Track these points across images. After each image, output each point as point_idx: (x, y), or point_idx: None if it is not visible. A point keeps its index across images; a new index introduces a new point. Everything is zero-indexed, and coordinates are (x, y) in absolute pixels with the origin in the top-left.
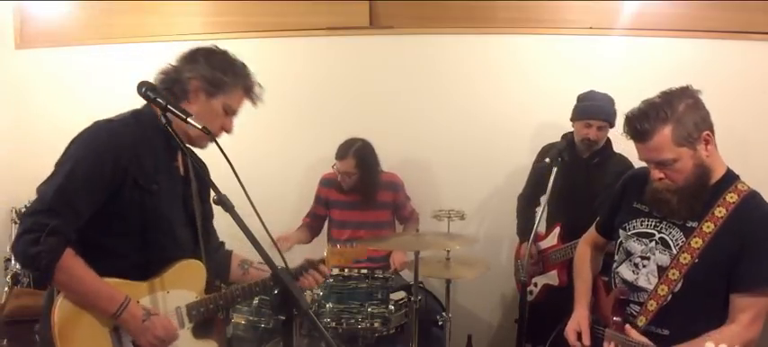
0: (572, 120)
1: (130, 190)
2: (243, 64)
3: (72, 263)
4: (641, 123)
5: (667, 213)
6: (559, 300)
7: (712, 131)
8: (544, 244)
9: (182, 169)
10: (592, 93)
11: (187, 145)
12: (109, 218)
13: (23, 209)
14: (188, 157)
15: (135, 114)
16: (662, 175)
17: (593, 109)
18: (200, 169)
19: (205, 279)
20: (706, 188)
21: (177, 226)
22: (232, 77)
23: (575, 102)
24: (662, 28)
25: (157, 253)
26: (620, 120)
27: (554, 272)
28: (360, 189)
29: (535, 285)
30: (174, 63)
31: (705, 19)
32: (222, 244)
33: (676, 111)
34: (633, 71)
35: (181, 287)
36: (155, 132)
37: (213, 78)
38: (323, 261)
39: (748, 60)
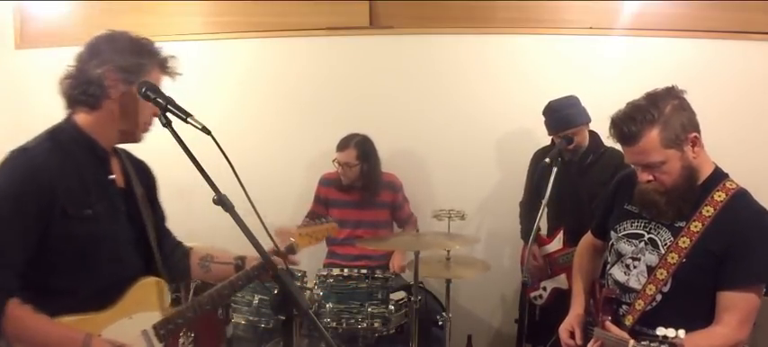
0: (549, 134)
1: (62, 221)
2: (148, 40)
3: (19, 315)
4: (628, 126)
5: (655, 214)
6: (570, 303)
7: (699, 132)
8: (550, 248)
9: (121, 180)
10: (552, 105)
11: (122, 145)
12: (47, 256)
13: None
14: (125, 160)
15: (52, 134)
16: (650, 177)
17: (559, 121)
18: (143, 171)
19: (167, 294)
20: (693, 189)
21: (123, 246)
22: (147, 57)
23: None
24: (662, 28)
25: (107, 281)
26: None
27: (563, 276)
28: (361, 182)
29: (544, 289)
30: (74, 63)
31: (705, 19)
32: (178, 244)
33: (663, 112)
34: (633, 71)
35: (143, 309)
36: (79, 148)
37: (127, 64)
38: (291, 247)
39: (748, 60)
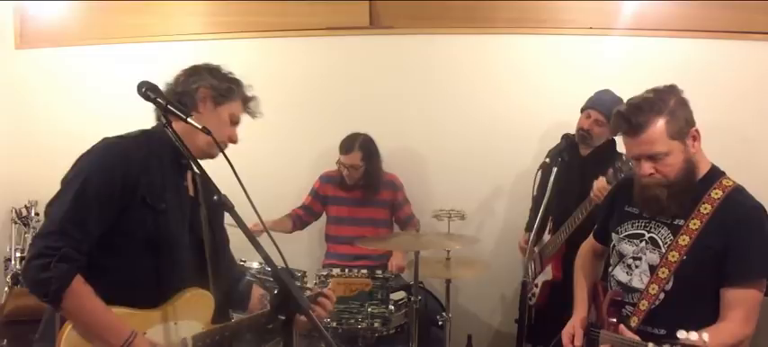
0: (581, 112)
1: (139, 208)
2: (238, 78)
3: (81, 292)
4: (636, 116)
5: (657, 211)
6: (561, 298)
7: (697, 129)
8: (542, 242)
9: (191, 189)
10: (601, 90)
11: (197, 159)
12: (115, 238)
13: (23, 210)
14: (197, 177)
15: (146, 133)
16: (652, 170)
17: (592, 100)
18: (208, 186)
19: (212, 309)
20: (693, 184)
21: (182, 249)
22: (236, 86)
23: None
24: (662, 28)
25: (156, 275)
26: None
27: (548, 267)
28: (364, 182)
29: (536, 286)
30: (173, 80)
31: (705, 19)
32: (243, 273)
33: (668, 105)
34: (633, 71)
35: (189, 318)
36: (164, 149)
37: (220, 87)
38: (325, 295)
39: (748, 60)
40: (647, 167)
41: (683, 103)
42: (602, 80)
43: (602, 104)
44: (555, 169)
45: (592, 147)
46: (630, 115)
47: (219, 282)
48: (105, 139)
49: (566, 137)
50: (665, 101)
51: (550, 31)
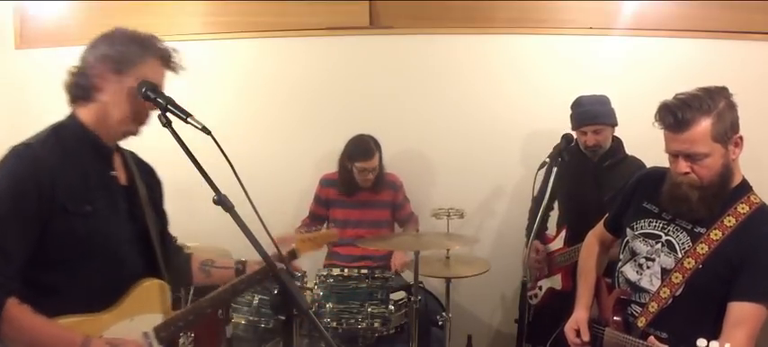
0: (572, 129)
1: (62, 216)
2: (150, 35)
3: (17, 315)
4: (682, 113)
5: (685, 211)
6: (563, 305)
7: (741, 136)
8: (551, 247)
9: (123, 178)
10: (581, 99)
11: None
12: (46, 253)
13: None
14: (127, 158)
15: (55, 129)
16: (688, 169)
17: (583, 116)
18: (149, 174)
19: (169, 296)
20: (726, 190)
21: (123, 245)
22: (138, 48)
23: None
24: (662, 28)
25: (105, 279)
26: (626, 116)
27: (558, 276)
28: (373, 183)
29: (540, 288)
30: (77, 62)
31: (705, 19)
32: (180, 248)
33: (718, 106)
34: (633, 71)
35: (145, 311)
36: (81, 143)
37: (117, 54)
38: (293, 253)
39: (748, 60)
40: (683, 166)
41: (732, 107)
42: (602, 80)
43: (589, 116)
44: (555, 169)
45: (599, 154)
46: (677, 110)
47: (167, 262)
48: (13, 149)
49: (566, 137)
50: (715, 101)
51: (550, 30)
